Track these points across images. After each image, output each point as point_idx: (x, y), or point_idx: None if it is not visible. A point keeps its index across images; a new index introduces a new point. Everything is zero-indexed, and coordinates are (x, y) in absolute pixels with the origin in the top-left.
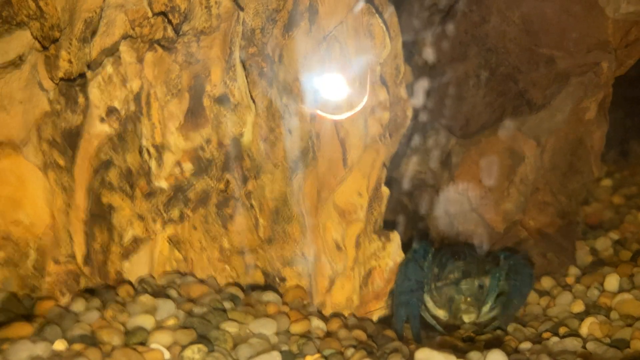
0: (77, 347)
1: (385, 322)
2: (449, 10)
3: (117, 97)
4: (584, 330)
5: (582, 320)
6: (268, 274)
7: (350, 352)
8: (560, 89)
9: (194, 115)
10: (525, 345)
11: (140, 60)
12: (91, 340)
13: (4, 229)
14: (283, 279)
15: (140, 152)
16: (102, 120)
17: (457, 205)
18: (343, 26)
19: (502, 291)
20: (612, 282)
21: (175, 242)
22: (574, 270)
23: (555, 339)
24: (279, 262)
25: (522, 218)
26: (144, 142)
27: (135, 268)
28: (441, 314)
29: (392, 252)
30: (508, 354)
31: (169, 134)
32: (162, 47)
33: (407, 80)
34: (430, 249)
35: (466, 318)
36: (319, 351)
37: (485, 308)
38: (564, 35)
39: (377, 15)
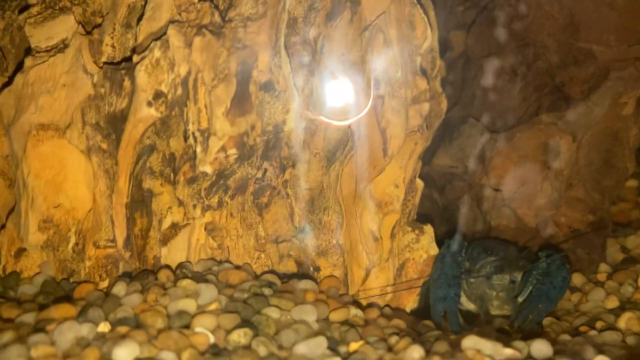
0: (122, 329)
1: (417, 314)
2: (486, 5)
3: (164, 81)
4: (622, 324)
5: (617, 315)
6: (302, 263)
7: (394, 339)
8: (600, 83)
9: (240, 101)
10: (565, 337)
11: (188, 44)
12: (134, 323)
13: (45, 212)
14: (317, 269)
15: (185, 137)
16: (149, 104)
17: (489, 201)
18: (385, 16)
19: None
20: None
21: (210, 230)
22: (604, 267)
23: (593, 332)
24: (314, 251)
25: (554, 214)
26: (190, 127)
27: (173, 254)
28: (473, 308)
29: (426, 244)
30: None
31: (215, 119)
32: (210, 32)
33: (441, 74)
34: (464, 243)
35: (498, 312)
36: (362, 338)
37: (517, 303)
38: (604, 29)
39: (418, 6)
